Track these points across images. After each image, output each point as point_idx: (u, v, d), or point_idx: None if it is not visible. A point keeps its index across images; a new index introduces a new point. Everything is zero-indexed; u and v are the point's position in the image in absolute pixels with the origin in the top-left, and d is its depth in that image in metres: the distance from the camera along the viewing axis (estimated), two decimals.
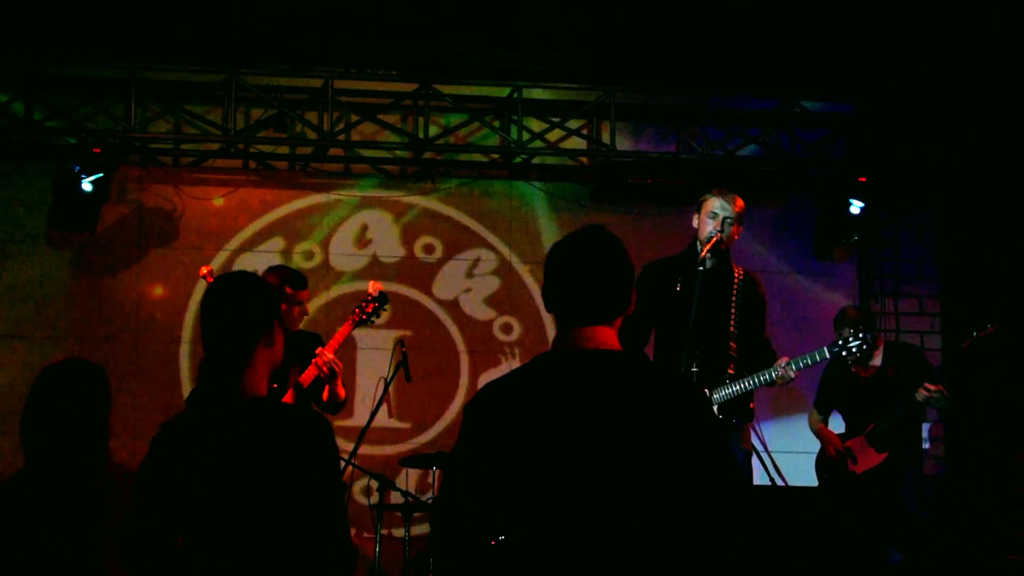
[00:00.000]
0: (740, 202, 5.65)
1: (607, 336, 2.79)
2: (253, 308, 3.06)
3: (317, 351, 5.90)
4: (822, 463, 7.00)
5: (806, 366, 5.70)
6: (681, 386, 2.79)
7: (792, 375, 5.56)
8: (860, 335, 5.81)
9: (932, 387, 6.49)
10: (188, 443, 2.95)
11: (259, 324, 3.05)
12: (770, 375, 5.57)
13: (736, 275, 5.73)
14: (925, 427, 7.04)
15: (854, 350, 5.81)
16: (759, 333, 5.78)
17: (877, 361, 6.89)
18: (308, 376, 5.86)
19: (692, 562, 2.63)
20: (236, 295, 3.08)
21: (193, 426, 3.00)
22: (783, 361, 5.59)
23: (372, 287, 6.23)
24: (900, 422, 6.70)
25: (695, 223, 5.68)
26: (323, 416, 3.07)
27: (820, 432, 7.08)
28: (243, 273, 3.21)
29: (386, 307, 6.25)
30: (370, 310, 6.16)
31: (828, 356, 5.76)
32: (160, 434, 3.04)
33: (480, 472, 2.73)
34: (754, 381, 5.56)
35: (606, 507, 2.62)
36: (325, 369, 5.84)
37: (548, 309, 2.87)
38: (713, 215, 5.59)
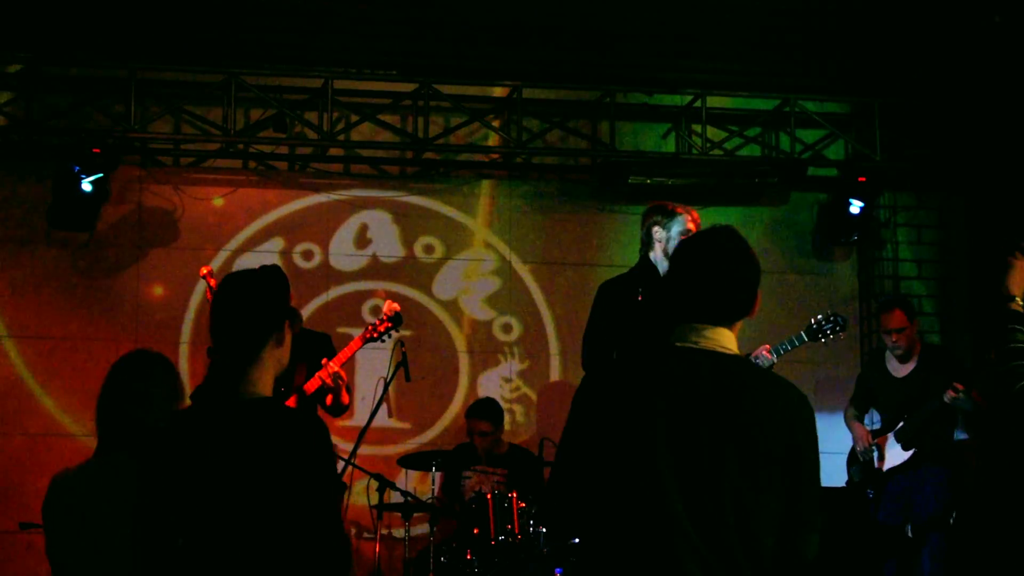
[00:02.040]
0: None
1: (724, 337, 2.84)
2: (263, 307, 3.01)
3: (323, 362, 5.94)
4: (852, 458, 7.21)
5: (786, 351, 6.08)
6: (790, 395, 2.83)
7: (775, 361, 5.95)
8: (832, 317, 6.21)
9: (959, 387, 6.59)
10: (187, 440, 2.93)
11: (269, 323, 3.00)
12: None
13: None
14: (959, 434, 7.17)
15: (828, 332, 6.21)
16: None
17: (912, 363, 7.01)
18: (312, 385, 5.89)
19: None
20: (247, 293, 3.03)
21: (192, 423, 2.98)
22: (765, 349, 5.93)
23: (388, 307, 6.23)
24: (928, 422, 6.79)
25: (658, 237, 5.71)
26: (320, 419, 3.03)
27: (850, 426, 7.27)
28: (256, 271, 3.12)
29: (398, 328, 6.25)
30: (383, 329, 6.17)
31: (806, 339, 6.17)
32: (160, 431, 3.02)
33: (579, 450, 2.82)
34: None
35: (690, 502, 2.68)
36: (330, 381, 5.88)
37: (671, 303, 2.90)
38: (687, 231, 5.68)
